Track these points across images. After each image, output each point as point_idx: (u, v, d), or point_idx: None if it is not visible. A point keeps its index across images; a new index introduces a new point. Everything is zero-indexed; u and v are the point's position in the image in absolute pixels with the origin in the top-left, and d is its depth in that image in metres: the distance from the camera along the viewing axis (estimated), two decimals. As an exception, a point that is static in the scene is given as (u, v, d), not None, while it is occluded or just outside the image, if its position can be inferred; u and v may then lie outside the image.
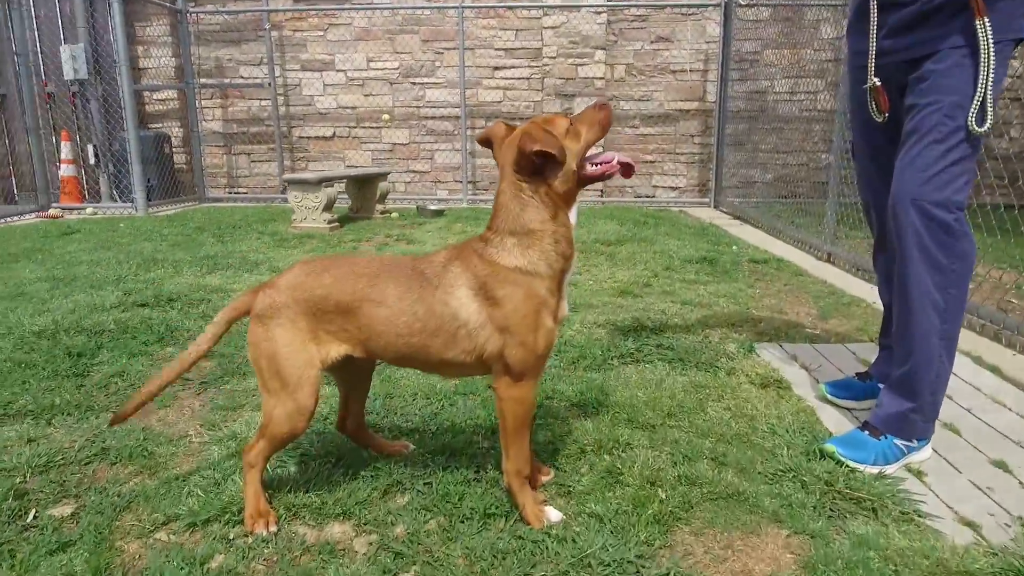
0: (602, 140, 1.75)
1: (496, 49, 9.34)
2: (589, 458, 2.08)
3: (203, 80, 9.51)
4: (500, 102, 9.45)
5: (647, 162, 9.48)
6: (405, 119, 9.57)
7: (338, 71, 9.51)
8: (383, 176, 7.46)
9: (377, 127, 9.60)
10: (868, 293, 4.15)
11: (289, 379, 1.69)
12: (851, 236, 5.17)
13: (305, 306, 1.71)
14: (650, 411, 2.38)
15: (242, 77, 9.57)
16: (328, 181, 6.63)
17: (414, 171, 9.73)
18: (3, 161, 9.27)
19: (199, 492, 1.89)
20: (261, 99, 9.58)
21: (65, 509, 1.84)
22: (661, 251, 5.35)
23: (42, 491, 1.93)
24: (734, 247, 5.68)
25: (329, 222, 6.60)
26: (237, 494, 1.85)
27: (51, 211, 8.07)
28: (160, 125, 9.75)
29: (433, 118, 9.56)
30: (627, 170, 1.76)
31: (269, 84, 9.27)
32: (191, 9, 9.25)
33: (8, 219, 7.66)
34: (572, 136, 1.69)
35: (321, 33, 9.44)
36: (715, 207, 8.84)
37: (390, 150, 9.68)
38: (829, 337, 3.36)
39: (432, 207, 7.60)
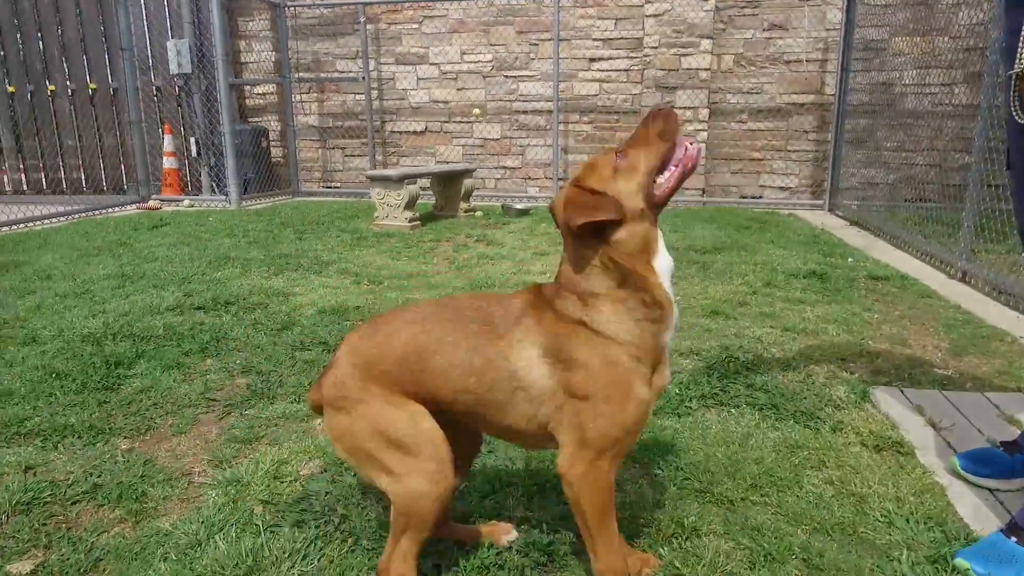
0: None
1: (593, 39, 8.88)
2: (643, 545, 1.66)
3: (300, 74, 9.54)
4: (596, 95, 8.99)
5: (754, 160, 8.78)
6: (497, 113, 9.27)
7: (431, 64, 9.31)
8: (468, 173, 7.18)
9: (468, 122, 9.35)
10: (1013, 324, 3.48)
11: (405, 441, 1.40)
12: (992, 251, 4.43)
13: (366, 370, 1.44)
14: (730, 479, 1.93)
15: (338, 71, 9.54)
16: (410, 178, 6.40)
17: (505, 167, 9.42)
18: (115, 152, 9.64)
19: (173, 555, 1.60)
20: (356, 93, 9.52)
21: (24, 566, 1.60)
22: (763, 262, 4.78)
23: (14, 536, 1.71)
24: (849, 259, 5.02)
25: (410, 220, 6.37)
26: (215, 561, 1.55)
27: (151, 202, 8.28)
28: (259, 119, 9.88)
29: (526, 112, 9.21)
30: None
31: (363, 78, 9.18)
32: (289, 3, 9.28)
33: (111, 209, 7.90)
34: (626, 173, 1.38)
35: (416, 26, 9.27)
36: (829, 210, 8.04)
37: (481, 145, 9.40)
38: (964, 381, 2.76)
39: (517, 206, 7.26)
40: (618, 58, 8.85)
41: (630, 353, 1.36)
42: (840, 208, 7.83)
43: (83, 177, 9.89)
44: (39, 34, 9.47)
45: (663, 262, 1.39)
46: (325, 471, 2.00)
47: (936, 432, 2.29)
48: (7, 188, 10.07)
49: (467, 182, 7.14)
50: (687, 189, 8.69)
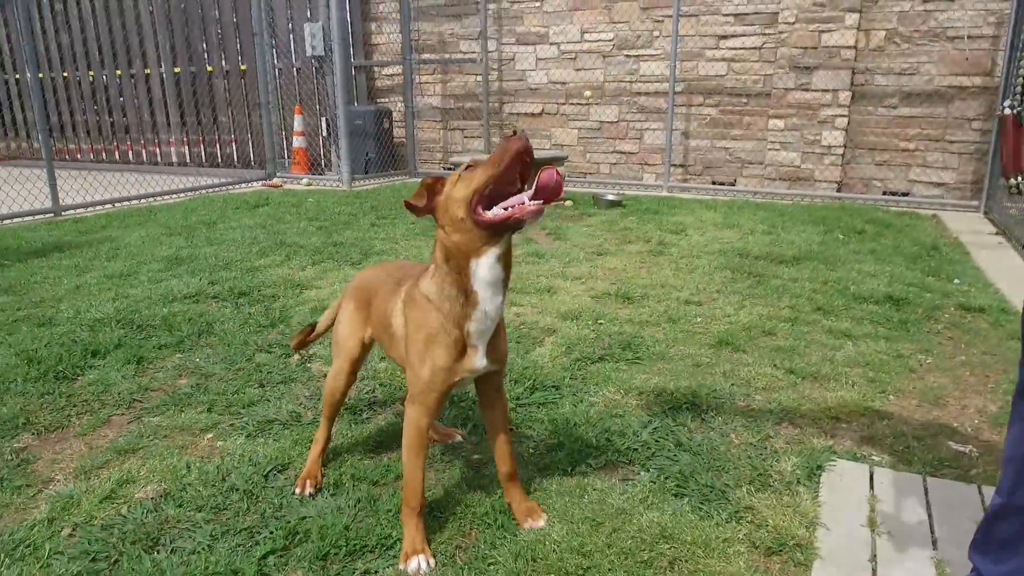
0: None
1: (724, 15, 8.17)
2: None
3: (424, 55, 9.67)
4: (723, 76, 8.30)
5: (904, 150, 7.70)
6: (615, 95, 8.85)
7: (551, 44, 9.05)
8: (559, 161, 6.91)
9: (585, 104, 9.02)
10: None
11: (338, 341, 2.06)
12: None
13: (353, 286, 2.07)
14: (571, 560, 1.65)
15: (461, 52, 9.55)
16: (490, 166, 6.27)
17: (620, 151, 9.00)
18: (256, 131, 10.35)
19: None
20: (477, 74, 9.49)
21: None
22: (836, 280, 4.15)
23: None
24: (955, 280, 4.24)
25: (488, 209, 6.25)
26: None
27: (274, 180, 8.81)
28: (386, 100, 10.16)
29: (646, 94, 8.71)
30: (549, 196, 1.53)
31: (481, 59, 9.12)
32: (415, -16, 9.40)
33: (240, 185, 8.50)
34: (462, 184, 1.55)
35: (538, 4, 9.03)
36: (984, 213, 6.89)
37: (597, 128, 9.04)
38: (974, 465, 2.20)
39: (609, 197, 6.89)
40: (750, 35, 8.10)
41: (440, 321, 1.62)
42: (996, 211, 6.67)
43: (234, 152, 10.74)
44: (201, 19, 10.33)
45: (484, 272, 1.56)
46: (160, 498, 1.97)
47: (872, 534, 1.83)
48: (173, 160, 11.18)
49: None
50: (819, 181, 7.85)
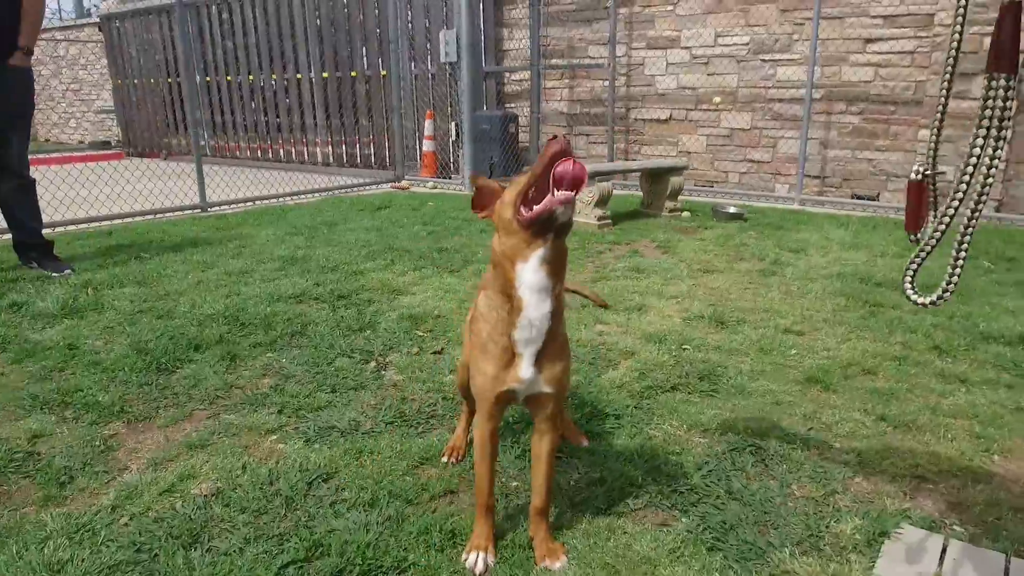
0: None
1: (872, 17, 7.60)
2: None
3: (552, 61, 9.69)
4: (870, 82, 7.72)
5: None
6: (748, 101, 8.46)
7: (683, 48, 8.80)
8: (677, 171, 6.70)
9: (715, 110, 8.69)
10: None
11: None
12: None
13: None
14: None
15: (590, 57, 9.49)
16: (603, 175, 6.19)
17: (751, 160, 8.60)
18: (391, 134, 10.80)
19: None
20: (604, 79, 9.40)
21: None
22: (966, 315, 3.75)
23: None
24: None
25: (600, 218, 6.18)
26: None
27: (403, 182, 9.16)
28: (514, 105, 10.28)
29: (782, 100, 8.27)
30: (573, 184, 1.52)
31: (608, 64, 9.02)
32: (546, -10, 9.43)
33: (370, 187, 8.92)
34: (512, 187, 1.63)
35: (671, 7, 8.81)
36: None
37: (727, 135, 8.69)
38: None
39: (730, 209, 6.60)
40: (901, 38, 7.49)
41: (488, 331, 1.67)
42: None
43: (372, 154, 11.26)
44: (347, 26, 10.90)
45: (529, 275, 1.58)
46: (212, 495, 2.09)
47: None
48: (318, 160, 11.89)
49: (674, 180, 6.67)
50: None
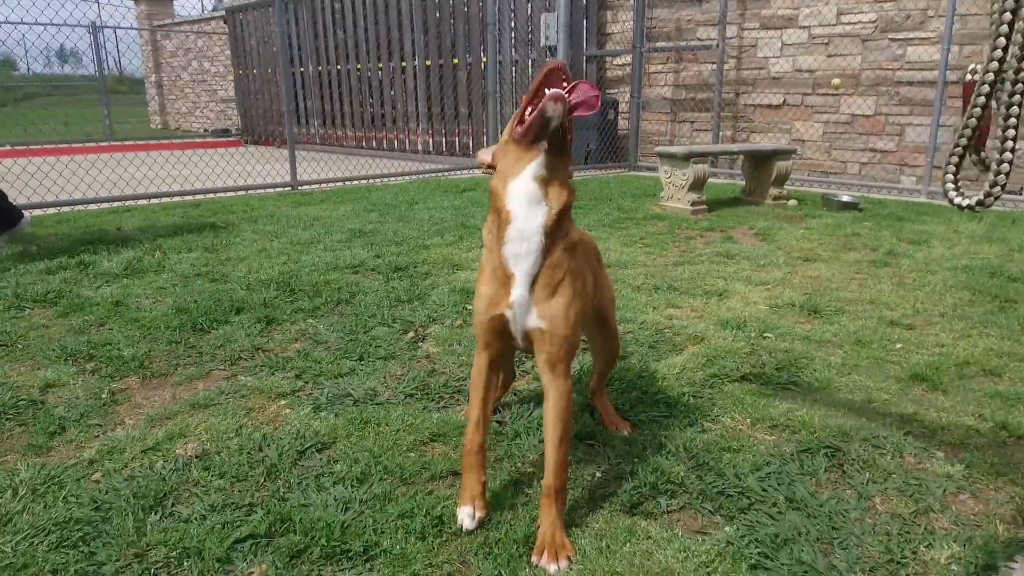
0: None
1: (1024, -14, 6.68)
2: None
3: (658, 43, 9.21)
4: (1018, 61, 6.79)
5: None
6: (873, 84, 7.69)
7: (801, 27, 8.11)
8: (784, 155, 6.11)
9: (835, 94, 7.96)
10: None
11: None
12: None
13: None
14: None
15: (698, 39, 8.95)
16: (699, 157, 5.72)
17: (874, 149, 7.81)
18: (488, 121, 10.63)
19: (-27, 499, 1.70)
20: (713, 63, 8.83)
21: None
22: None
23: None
24: None
25: (693, 203, 5.72)
26: None
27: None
28: (615, 91, 9.87)
29: (911, 84, 7.45)
30: (589, 102, 1.44)
31: (716, 45, 8.46)
32: (652, -31, 8.96)
33: (462, 171, 8.76)
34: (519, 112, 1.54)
35: (789, -17, 8.15)
36: None
37: (847, 122, 7.94)
38: None
39: (843, 198, 5.96)
40: (1059, 9, 6.53)
41: (486, 255, 1.60)
42: None
43: (470, 142, 11.14)
44: (451, 14, 10.83)
45: (517, 185, 1.49)
46: (195, 457, 1.90)
47: None
48: (419, 149, 11.91)
49: (780, 164, 6.09)
50: None
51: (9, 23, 11.87)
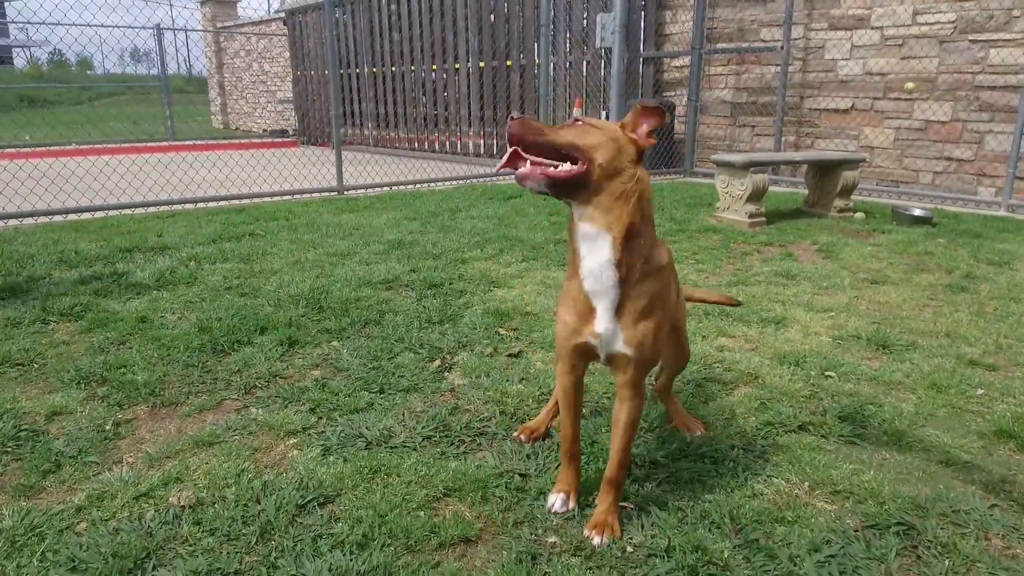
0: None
1: (1125, -18, 6.14)
2: None
3: (719, 44, 8.85)
4: (1115, 64, 6.26)
5: None
6: (950, 89, 7.19)
7: (873, 28, 7.65)
8: (851, 164, 5.73)
9: (908, 99, 7.48)
10: None
11: None
12: None
13: None
14: None
15: (762, 40, 8.55)
16: (759, 166, 5.39)
17: (950, 158, 7.30)
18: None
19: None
20: (777, 65, 8.42)
21: None
22: None
23: (-51, 477, 1.90)
24: None
25: (751, 215, 5.40)
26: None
27: (545, 172, 8.72)
28: (674, 93, 9.53)
29: (993, 88, 6.94)
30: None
31: (782, 47, 8.06)
32: (714, -33, 8.60)
33: (507, 176, 8.56)
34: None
35: (860, -19, 7.70)
36: None
37: (920, 129, 7.45)
38: None
39: (916, 212, 5.54)
40: None
41: (567, 284, 1.64)
42: None
43: (522, 144, 10.92)
44: (506, 15, 10.65)
45: (575, 226, 1.57)
46: (188, 507, 1.75)
47: None
48: (470, 151, 11.77)
49: (847, 175, 5.71)
50: None
51: (79, 24, 12.18)
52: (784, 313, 3.33)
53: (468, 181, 8.08)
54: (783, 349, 2.87)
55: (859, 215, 5.79)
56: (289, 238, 4.78)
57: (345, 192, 7.09)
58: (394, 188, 7.46)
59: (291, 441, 2.11)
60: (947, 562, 1.58)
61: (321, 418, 2.25)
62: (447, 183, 7.91)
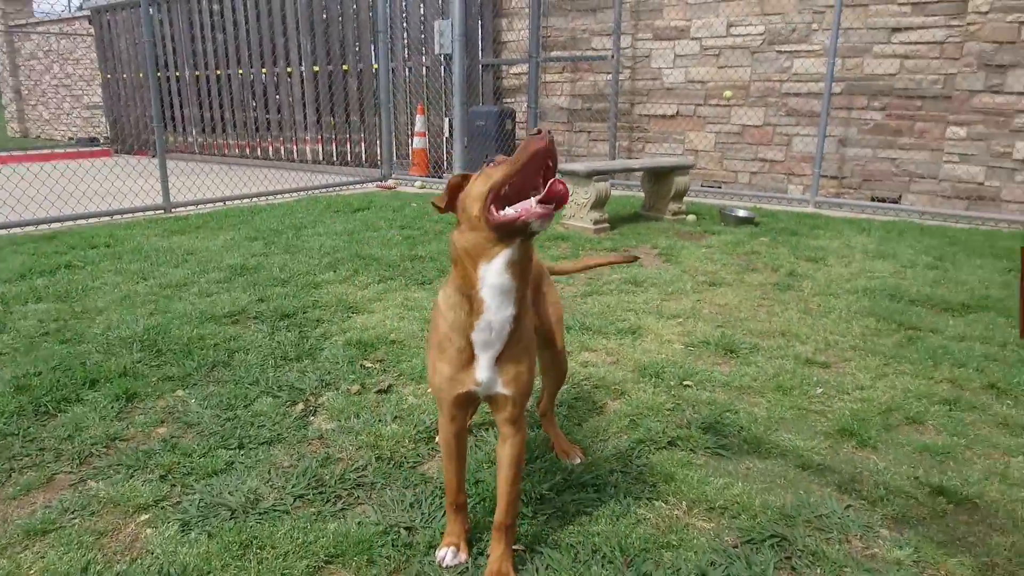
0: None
1: (899, 4, 6.98)
2: None
3: (553, 53, 9.10)
4: (895, 75, 7.10)
5: None
6: (762, 96, 7.85)
7: (692, 39, 8.19)
8: (682, 170, 6.09)
9: (726, 105, 8.08)
10: None
11: None
12: None
13: None
14: None
15: (593, 49, 8.90)
16: (601, 174, 5.59)
17: (763, 159, 7.98)
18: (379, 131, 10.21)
19: None
20: (608, 73, 8.79)
21: None
22: None
23: None
24: None
25: (596, 222, 5.59)
26: None
27: (388, 182, 8.57)
28: (512, 100, 9.69)
29: (798, 95, 7.65)
30: (557, 203, 1.38)
31: (612, 56, 8.42)
32: (543, -23, 8.83)
33: (353, 186, 8.34)
34: (481, 180, 1.44)
35: (680, -5, 8.20)
36: None
37: (737, 132, 8.08)
38: None
39: (739, 213, 5.99)
40: (931, 27, 6.86)
41: (446, 330, 1.55)
42: None
43: (362, 152, 10.68)
44: (340, 18, 10.31)
45: (492, 277, 1.45)
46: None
47: None
48: (308, 157, 11.32)
49: (679, 180, 6.06)
50: (1008, 202, 6.49)
51: None
52: (638, 322, 3.46)
53: (310, 193, 7.76)
54: (642, 360, 2.97)
55: (691, 217, 6.17)
56: (113, 268, 4.33)
57: (173, 210, 6.56)
58: (229, 203, 7.01)
59: (142, 518, 1.89)
60: (818, 570, 1.69)
61: (175, 486, 2.04)
62: (288, 195, 7.55)
